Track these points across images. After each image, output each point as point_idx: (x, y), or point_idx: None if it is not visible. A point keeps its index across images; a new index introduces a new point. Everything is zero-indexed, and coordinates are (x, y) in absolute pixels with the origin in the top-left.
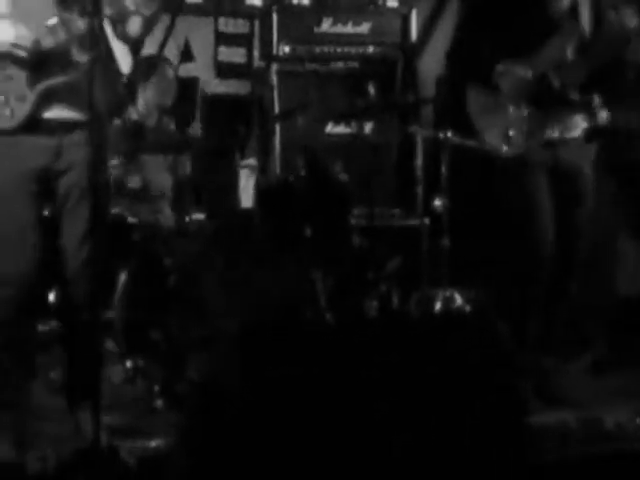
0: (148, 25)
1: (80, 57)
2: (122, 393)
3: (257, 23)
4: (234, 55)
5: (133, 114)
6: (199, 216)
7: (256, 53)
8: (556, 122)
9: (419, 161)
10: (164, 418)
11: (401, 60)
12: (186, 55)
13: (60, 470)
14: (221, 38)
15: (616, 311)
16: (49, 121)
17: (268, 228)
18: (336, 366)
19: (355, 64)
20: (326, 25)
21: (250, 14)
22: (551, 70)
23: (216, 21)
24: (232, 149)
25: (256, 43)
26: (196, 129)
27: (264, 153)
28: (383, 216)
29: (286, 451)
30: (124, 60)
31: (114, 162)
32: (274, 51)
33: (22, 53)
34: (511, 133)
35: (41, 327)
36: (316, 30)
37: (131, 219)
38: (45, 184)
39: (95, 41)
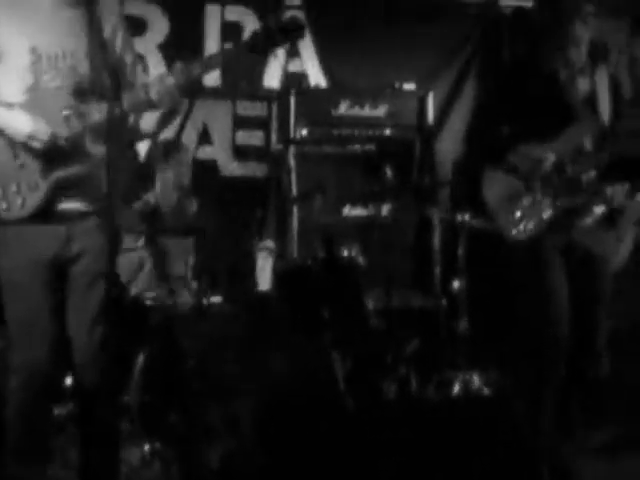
0: (164, 121)
1: (93, 148)
2: (139, 476)
3: (275, 106)
4: (252, 138)
5: (151, 198)
6: (217, 299)
7: (274, 136)
8: (573, 209)
9: (436, 243)
10: None
11: (418, 142)
12: (204, 138)
13: None
14: (239, 121)
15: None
16: (59, 210)
17: (286, 310)
18: (355, 449)
19: (372, 146)
20: (343, 108)
21: (268, 97)
22: (568, 158)
23: (234, 104)
24: (250, 232)
25: (274, 126)
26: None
27: (281, 235)
28: (401, 298)
29: None
30: (141, 145)
31: (135, 244)
32: (292, 134)
33: (38, 145)
34: (525, 219)
35: (58, 410)
36: (333, 113)
37: (149, 301)
38: (57, 272)
39: (112, 132)
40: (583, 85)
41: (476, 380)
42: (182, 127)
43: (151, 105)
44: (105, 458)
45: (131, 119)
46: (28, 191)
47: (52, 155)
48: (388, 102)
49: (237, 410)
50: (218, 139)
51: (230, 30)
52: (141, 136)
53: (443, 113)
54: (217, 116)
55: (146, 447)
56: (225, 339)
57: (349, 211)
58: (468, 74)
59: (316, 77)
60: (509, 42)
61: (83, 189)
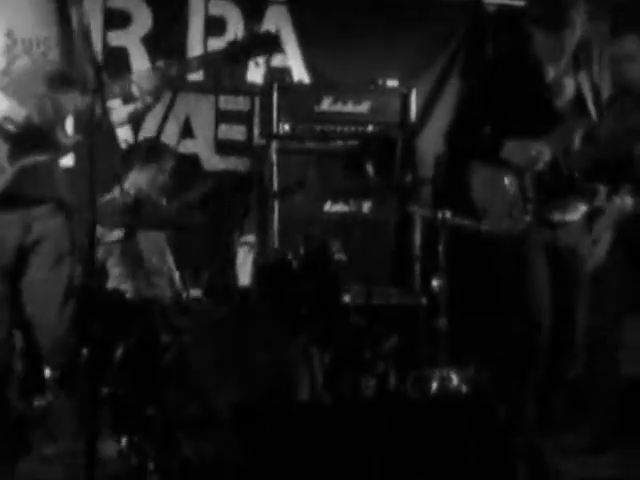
0: (136, 115)
1: (63, 138)
2: (116, 470)
3: (257, 101)
4: (234, 132)
5: (131, 190)
6: (197, 292)
7: (256, 130)
8: (559, 205)
9: (417, 240)
10: None
11: (400, 139)
12: (186, 132)
13: None
14: (221, 115)
15: (618, 392)
16: (18, 196)
17: (265, 305)
18: (332, 446)
19: (354, 143)
20: (326, 104)
21: (251, 92)
22: (560, 157)
23: (216, 99)
24: (231, 226)
25: (256, 121)
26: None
27: (262, 230)
28: (380, 295)
29: None
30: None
31: (113, 236)
32: (274, 129)
33: (11, 127)
34: (514, 213)
35: (37, 402)
36: (316, 109)
37: (128, 294)
38: (18, 259)
39: (93, 121)
40: (569, 85)
41: (454, 378)
42: (164, 121)
43: (130, 99)
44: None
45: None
46: None
47: (22, 141)
48: (371, 99)
49: (215, 404)
50: (200, 133)
51: (214, 24)
52: (109, 126)
53: (426, 110)
54: (199, 110)
55: (123, 440)
56: (204, 333)
57: (330, 207)
58: (451, 72)
59: (299, 72)
60: (493, 40)
61: (44, 178)
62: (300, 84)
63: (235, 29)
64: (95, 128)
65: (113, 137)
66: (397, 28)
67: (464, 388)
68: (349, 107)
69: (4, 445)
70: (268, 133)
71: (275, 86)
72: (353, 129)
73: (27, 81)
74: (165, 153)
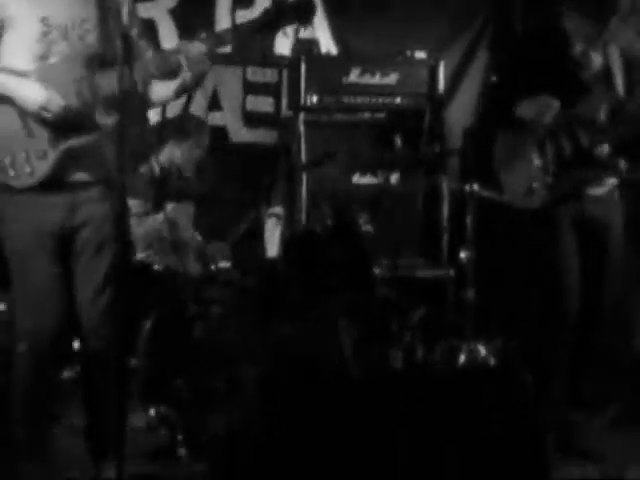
0: (182, 89)
1: (103, 119)
2: (145, 442)
3: (285, 73)
4: (262, 104)
5: (155, 164)
6: (225, 264)
7: (284, 102)
8: (584, 179)
9: (445, 212)
10: (187, 467)
11: (428, 111)
12: (214, 104)
13: None
14: (249, 87)
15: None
16: (64, 180)
17: (293, 277)
18: (360, 417)
19: (382, 115)
20: (354, 75)
21: (278, 64)
22: (581, 129)
23: (244, 70)
24: (258, 198)
25: (284, 93)
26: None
27: (290, 202)
28: (408, 266)
29: None
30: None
31: (142, 209)
32: (302, 101)
33: (49, 115)
34: (535, 186)
35: (66, 373)
36: (344, 80)
37: (157, 266)
38: (62, 240)
39: (124, 102)
40: (596, 58)
41: (482, 349)
42: (191, 96)
43: (176, 73)
44: (111, 423)
45: (140, 88)
46: (37, 160)
47: (62, 125)
48: (399, 70)
49: (243, 376)
50: (228, 105)
51: None
52: (152, 104)
53: (454, 82)
54: (227, 82)
55: (152, 412)
56: (233, 305)
57: (358, 179)
58: (480, 44)
59: (327, 44)
60: (521, 13)
61: (90, 160)
62: (328, 56)
63: (262, 1)
64: (125, 102)
65: (144, 111)
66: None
67: (492, 360)
68: (377, 79)
69: (39, 416)
70: (296, 105)
71: (303, 58)
72: (381, 101)
73: (64, 68)
74: (202, 128)
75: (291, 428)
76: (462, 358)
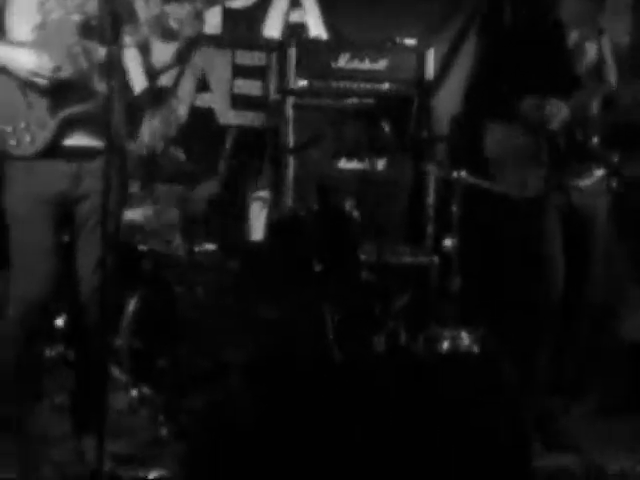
0: (182, 54)
1: (100, 86)
2: (126, 421)
3: (274, 56)
4: (250, 87)
5: (140, 143)
6: (210, 247)
7: (272, 86)
8: (574, 170)
9: (430, 199)
10: (168, 448)
11: (416, 98)
12: (202, 86)
13: None
14: (238, 70)
15: (623, 356)
16: (68, 148)
17: (278, 261)
18: (342, 400)
19: (370, 100)
20: (343, 61)
21: (268, 47)
22: (576, 122)
23: (233, 53)
24: (245, 180)
25: (272, 76)
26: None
27: (276, 186)
28: (393, 253)
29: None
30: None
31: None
32: (290, 85)
33: (42, 81)
34: (529, 176)
35: (48, 352)
36: (333, 65)
37: (142, 247)
38: (63, 210)
39: (113, 69)
40: (591, 50)
41: (465, 338)
42: (180, 75)
43: (170, 35)
44: (94, 401)
45: (140, 53)
46: (37, 128)
47: (60, 93)
48: (388, 56)
49: (226, 358)
50: (216, 87)
51: None
52: (155, 72)
53: (443, 69)
54: (216, 64)
55: (134, 393)
56: (217, 287)
57: (345, 164)
58: (469, 31)
59: (317, 29)
60: (511, 1)
61: (91, 126)
62: (317, 40)
63: None
64: (115, 73)
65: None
66: None
67: (475, 348)
68: (366, 64)
69: (22, 392)
70: (284, 89)
71: (292, 42)
72: (369, 87)
73: (58, 33)
74: (168, 95)
75: (274, 411)
76: (445, 345)
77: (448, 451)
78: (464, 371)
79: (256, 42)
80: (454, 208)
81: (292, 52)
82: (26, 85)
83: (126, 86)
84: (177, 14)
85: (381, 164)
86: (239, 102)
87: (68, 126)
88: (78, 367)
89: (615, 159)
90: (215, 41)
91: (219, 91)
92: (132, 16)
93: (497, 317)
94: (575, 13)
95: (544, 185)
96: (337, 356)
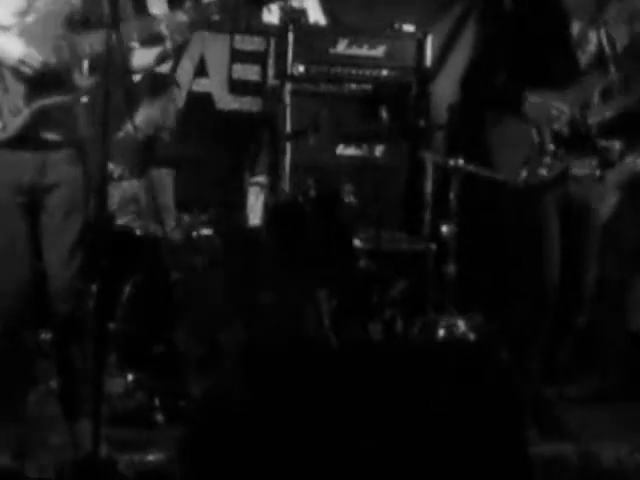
0: (164, 57)
1: (81, 80)
2: (122, 406)
3: (273, 42)
4: (248, 72)
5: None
6: (206, 232)
7: (270, 71)
8: (575, 159)
9: (428, 186)
10: (164, 432)
11: (415, 85)
12: (200, 70)
13: None
14: (236, 55)
15: (625, 345)
16: (36, 138)
17: (275, 246)
18: (338, 387)
19: (369, 87)
20: (342, 47)
21: (266, 32)
22: (578, 111)
23: (232, 38)
24: (242, 166)
25: (271, 61)
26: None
27: (274, 171)
28: (390, 240)
29: (286, 466)
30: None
31: (125, 174)
32: (288, 70)
33: (27, 70)
34: (532, 165)
35: (43, 335)
36: (331, 51)
37: (138, 232)
38: (32, 200)
39: (106, 64)
40: (593, 39)
41: (461, 325)
42: (177, 61)
43: (157, 39)
44: (85, 386)
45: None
46: (10, 115)
47: (39, 82)
48: (387, 43)
49: (222, 343)
50: (214, 72)
51: None
52: (134, 70)
53: (441, 56)
54: (214, 49)
55: (130, 377)
56: (213, 272)
57: (342, 151)
58: (468, 18)
59: (315, 14)
60: None
61: (62, 120)
62: (316, 26)
63: None
64: (110, 65)
65: (124, 76)
66: None
67: (471, 335)
68: (364, 51)
69: (15, 378)
70: (282, 74)
71: (291, 27)
72: (368, 73)
73: (44, 25)
74: (168, 82)
75: (269, 396)
76: (441, 332)
77: (444, 439)
78: (460, 358)
79: (255, 27)
80: (451, 195)
81: (290, 37)
82: (4, 70)
83: (125, 73)
84: (170, 21)
85: (379, 151)
86: (237, 87)
87: (41, 117)
88: (62, 352)
89: (616, 149)
90: (214, 26)
91: (217, 76)
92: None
93: (494, 305)
94: (578, 2)
95: (547, 173)
96: (333, 343)
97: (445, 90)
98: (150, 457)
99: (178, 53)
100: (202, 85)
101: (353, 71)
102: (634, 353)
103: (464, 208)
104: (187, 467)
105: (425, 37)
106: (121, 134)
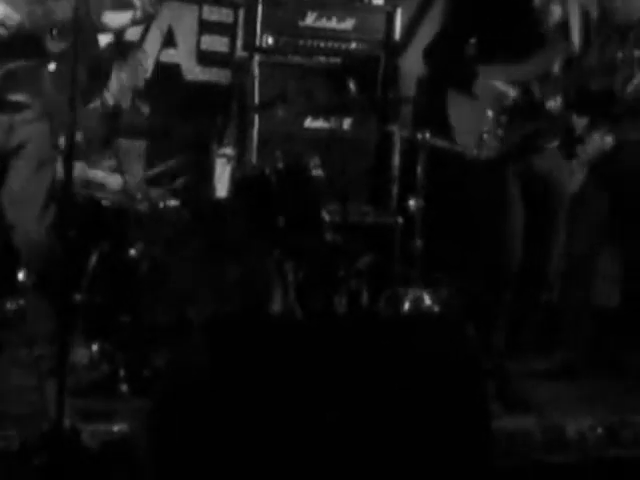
0: (135, 22)
1: (52, 46)
2: (87, 376)
3: (241, 13)
4: (217, 44)
5: (108, 98)
6: (173, 202)
7: (239, 43)
8: (532, 131)
9: (395, 160)
10: (128, 403)
11: (383, 58)
12: (168, 41)
13: (22, 451)
14: (204, 26)
15: (590, 320)
16: (3, 101)
17: (241, 218)
18: (302, 359)
19: (337, 59)
20: (310, 19)
21: (235, 3)
22: (535, 81)
23: (200, 9)
24: (209, 137)
25: (239, 33)
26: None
27: (241, 143)
28: (357, 213)
29: (249, 436)
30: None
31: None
32: (257, 42)
33: (2, 31)
34: (485, 137)
35: (9, 305)
36: (300, 23)
37: (104, 202)
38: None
39: (77, 30)
40: (555, 11)
41: (427, 298)
42: (147, 30)
43: (128, 6)
44: (52, 355)
45: (93, 17)
46: None
47: (10, 45)
48: (356, 16)
49: (188, 315)
50: (182, 43)
51: None
52: (108, 29)
53: (410, 30)
54: (182, 20)
55: (94, 348)
56: (180, 244)
57: (310, 123)
58: None
59: None
60: None
61: (29, 83)
62: None
63: None
64: (79, 31)
65: (95, 42)
66: None
67: (436, 309)
68: (333, 23)
69: None
70: (251, 46)
71: None
72: (336, 45)
73: None
74: (136, 49)
75: (233, 367)
76: (406, 306)
77: (407, 411)
78: (424, 331)
79: None
80: (419, 169)
81: (259, 9)
82: None
83: (92, 41)
84: None
85: (347, 123)
86: (206, 58)
87: (8, 79)
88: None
89: (582, 125)
90: None
91: (185, 47)
92: None
93: (459, 278)
94: None
95: (501, 146)
96: (298, 315)
97: (414, 64)
98: (115, 427)
99: (147, 23)
100: (170, 56)
101: (322, 43)
102: (599, 327)
103: (431, 182)
104: (151, 437)
105: (394, 10)
106: (91, 105)
